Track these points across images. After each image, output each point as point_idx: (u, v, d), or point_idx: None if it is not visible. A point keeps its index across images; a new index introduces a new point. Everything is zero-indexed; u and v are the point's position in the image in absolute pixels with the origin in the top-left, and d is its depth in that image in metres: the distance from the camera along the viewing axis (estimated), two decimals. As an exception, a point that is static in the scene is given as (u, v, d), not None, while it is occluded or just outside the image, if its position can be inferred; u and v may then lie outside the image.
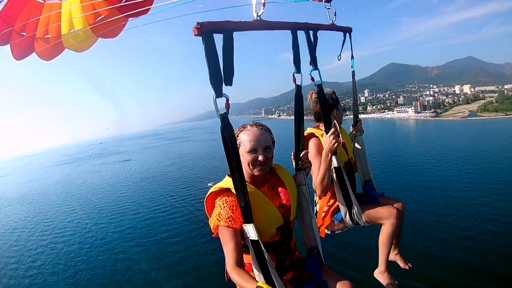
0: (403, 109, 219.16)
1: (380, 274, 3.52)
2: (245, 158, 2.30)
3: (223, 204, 2.19)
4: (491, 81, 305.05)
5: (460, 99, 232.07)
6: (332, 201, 3.56)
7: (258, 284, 1.88)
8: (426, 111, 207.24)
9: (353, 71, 3.76)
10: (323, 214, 3.67)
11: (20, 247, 45.17)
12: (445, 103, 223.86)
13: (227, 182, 2.24)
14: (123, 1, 2.98)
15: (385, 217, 3.35)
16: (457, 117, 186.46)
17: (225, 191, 2.24)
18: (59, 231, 49.83)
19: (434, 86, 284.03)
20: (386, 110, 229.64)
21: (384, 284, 3.51)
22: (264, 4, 1.97)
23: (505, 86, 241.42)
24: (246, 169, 2.33)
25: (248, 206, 2.10)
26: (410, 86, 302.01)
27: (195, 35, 1.70)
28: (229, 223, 2.13)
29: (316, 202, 3.70)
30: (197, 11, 2.60)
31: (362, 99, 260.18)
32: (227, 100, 1.87)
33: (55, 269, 36.11)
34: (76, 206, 63.56)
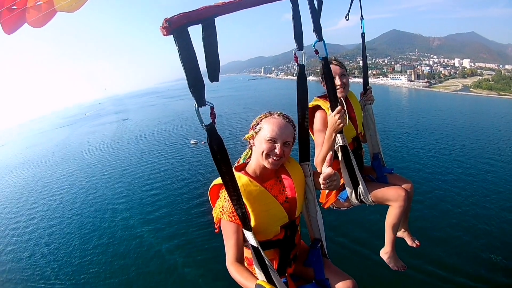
0: (396, 76, 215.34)
1: (386, 255, 3.55)
2: (261, 145, 2.20)
3: (227, 196, 2.05)
4: (492, 59, 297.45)
5: (457, 73, 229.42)
6: None
7: (258, 282, 1.84)
8: (419, 80, 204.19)
9: (363, 33, 3.58)
10: (327, 191, 3.56)
11: (23, 213, 47.54)
12: (440, 75, 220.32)
13: None
14: None
15: (393, 199, 3.25)
16: (449, 90, 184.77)
17: None
18: (59, 195, 52.48)
19: (435, 57, 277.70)
20: (380, 76, 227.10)
21: (390, 265, 3.56)
22: None
23: (506, 66, 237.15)
24: (257, 159, 2.26)
25: (245, 217, 1.98)
26: (410, 54, 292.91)
27: (165, 35, 1.40)
28: (232, 217, 2.07)
29: None
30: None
31: (361, 63, 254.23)
32: (212, 108, 1.65)
33: (60, 233, 38.73)
34: (74, 169, 66.57)
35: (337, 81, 3.31)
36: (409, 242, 3.90)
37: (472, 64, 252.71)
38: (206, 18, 1.50)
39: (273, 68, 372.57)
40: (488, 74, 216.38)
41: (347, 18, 3.33)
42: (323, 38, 2.36)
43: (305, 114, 2.37)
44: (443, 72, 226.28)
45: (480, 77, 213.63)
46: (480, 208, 33.90)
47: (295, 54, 2.18)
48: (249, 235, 2.04)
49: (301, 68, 2.28)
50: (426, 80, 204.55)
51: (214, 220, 2.19)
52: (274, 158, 2.19)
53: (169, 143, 78.24)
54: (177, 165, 58.19)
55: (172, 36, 1.41)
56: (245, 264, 2.29)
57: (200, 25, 1.49)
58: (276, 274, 2.09)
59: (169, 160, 62.78)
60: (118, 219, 39.17)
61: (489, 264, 24.84)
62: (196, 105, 1.56)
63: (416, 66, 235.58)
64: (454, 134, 70.00)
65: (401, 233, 3.84)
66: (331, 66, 3.14)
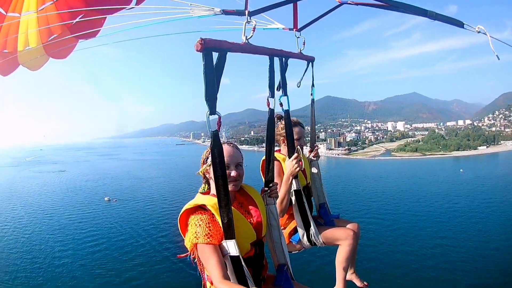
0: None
1: None
2: None
3: (198, 222, 2.18)
4: (433, 118, 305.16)
5: (384, 137, 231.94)
6: (289, 222, 3.63)
7: None
8: (339, 148, 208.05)
9: (313, 99, 3.94)
10: None
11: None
12: (366, 141, 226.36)
13: (201, 199, 2.29)
14: (75, 21, 3.04)
15: (342, 238, 3.45)
16: (367, 156, 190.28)
17: (198, 208, 2.26)
18: (5, 228, 62.51)
19: (368, 122, 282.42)
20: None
21: None
22: (254, 29, 2.15)
23: (447, 123, 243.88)
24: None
25: (231, 222, 2.11)
26: (343, 120, 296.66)
27: (198, 50, 1.75)
28: (208, 239, 2.13)
29: None
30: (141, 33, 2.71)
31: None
32: (219, 118, 1.95)
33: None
34: (19, 206, 79.64)
35: (302, 143, 3.77)
36: (357, 283, 4.01)
37: (409, 126, 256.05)
38: (223, 49, 1.90)
39: (202, 134, 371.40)
40: (422, 135, 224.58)
41: (298, 86, 3.55)
42: (287, 94, 2.88)
43: (272, 149, 2.77)
44: (369, 137, 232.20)
45: (412, 139, 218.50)
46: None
47: (267, 99, 2.60)
48: (231, 245, 2.14)
49: (271, 112, 2.65)
50: (346, 147, 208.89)
51: (189, 249, 2.23)
52: (233, 182, 2.38)
53: (91, 198, 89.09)
54: (91, 219, 68.12)
55: (201, 53, 1.78)
56: None
57: (218, 53, 1.90)
58: (253, 285, 2.22)
59: (86, 213, 73.03)
60: (59, 258, 46.98)
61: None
62: (208, 112, 1.84)
63: (344, 132, 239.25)
64: (352, 198, 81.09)
65: (349, 275, 3.89)
66: (298, 128, 3.72)
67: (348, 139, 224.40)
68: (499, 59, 2.25)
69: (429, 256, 43.71)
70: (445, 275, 37.22)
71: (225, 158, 2.24)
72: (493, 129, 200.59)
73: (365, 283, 3.98)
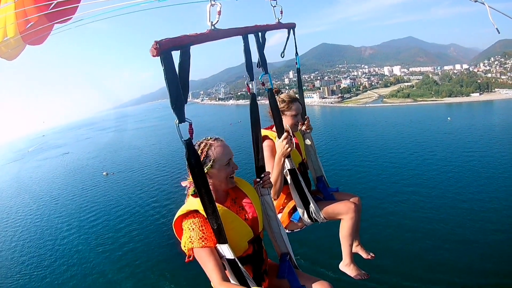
0: (308, 94, 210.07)
1: (346, 267, 3.63)
2: (222, 173, 2.34)
3: (191, 226, 2.17)
4: (430, 62, 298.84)
5: (379, 83, 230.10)
6: (287, 201, 3.61)
7: None
8: (332, 96, 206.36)
9: (298, 68, 3.84)
10: (280, 215, 3.65)
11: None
12: (360, 87, 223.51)
13: (192, 204, 2.24)
14: (50, 8, 2.97)
15: (344, 212, 3.44)
16: (358, 103, 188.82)
17: (191, 213, 2.23)
18: (18, 221, 65.71)
19: (366, 66, 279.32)
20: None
21: (352, 276, 3.66)
22: (219, 12, 1.95)
23: (445, 67, 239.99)
24: (215, 187, 2.40)
25: (221, 228, 2.10)
26: (340, 66, 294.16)
27: (154, 56, 1.59)
28: (203, 243, 2.12)
29: None
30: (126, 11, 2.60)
31: (286, 81, 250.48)
32: (190, 125, 1.79)
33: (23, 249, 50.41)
34: (28, 199, 79.94)
35: (299, 119, 3.63)
36: (364, 255, 4.01)
37: (406, 70, 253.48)
38: (184, 45, 1.73)
39: (201, 92, 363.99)
40: (417, 80, 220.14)
41: (282, 56, 3.40)
42: (268, 71, 2.71)
43: (258, 136, 2.67)
44: (364, 83, 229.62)
45: (406, 84, 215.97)
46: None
47: (247, 84, 2.49)
48: (224, 249, 2.15)
49: (253, 96, 2.53)
50: (338, 95, 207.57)
51: (187, 254, 2.22)
52: (233, 175, 2.42)
53: (92, 175, 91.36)
54: (91, 196, 72.00)
55: (159, 57, 1.61)
56: None
57: (179, 51, 1.72)
58: (254, 284, 2.27)
59: (88, 191, 76.68)
60: (66, 238, 50.79)
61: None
62: (177, 121, 1.71)
63: (341, 79, 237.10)
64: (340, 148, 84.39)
65: (354, 248, 3.88)
66: (297, 104, 3.57)
67: (342, 86, 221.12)
68: (499, 32, 2.11)
69: (407, 203, 45.63)
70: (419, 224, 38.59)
71: (228, 156, 2.34)
72: (489, 75, 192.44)
73: (372, 254, 3.98)
